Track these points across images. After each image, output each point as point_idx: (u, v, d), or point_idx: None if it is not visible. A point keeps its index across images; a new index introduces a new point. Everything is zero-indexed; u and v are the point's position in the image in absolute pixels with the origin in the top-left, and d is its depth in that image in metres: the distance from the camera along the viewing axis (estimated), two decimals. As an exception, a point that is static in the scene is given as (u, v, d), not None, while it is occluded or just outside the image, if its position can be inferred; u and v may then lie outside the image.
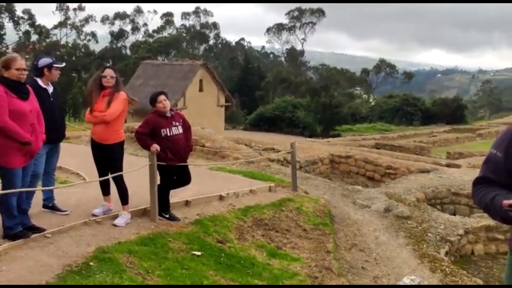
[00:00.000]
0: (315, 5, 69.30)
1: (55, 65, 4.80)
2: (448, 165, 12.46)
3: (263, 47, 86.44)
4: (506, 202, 1.93)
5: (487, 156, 2.23)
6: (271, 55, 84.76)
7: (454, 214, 8.18)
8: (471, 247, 6.85)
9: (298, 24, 70.47)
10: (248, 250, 5.08)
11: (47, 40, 60.25)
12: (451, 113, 48.49)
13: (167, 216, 5.40)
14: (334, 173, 12.40)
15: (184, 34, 70.70)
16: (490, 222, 7.00)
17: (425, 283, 4.96)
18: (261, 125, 44.60)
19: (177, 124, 5.36)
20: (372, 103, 61.19)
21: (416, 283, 4.87)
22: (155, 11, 73.86)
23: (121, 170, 5.02)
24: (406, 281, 4.92)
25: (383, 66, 71.12)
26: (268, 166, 9.81)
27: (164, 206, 5.39)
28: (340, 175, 12.18)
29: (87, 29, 65.37)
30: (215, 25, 72.24)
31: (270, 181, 7.89)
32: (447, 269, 5.41)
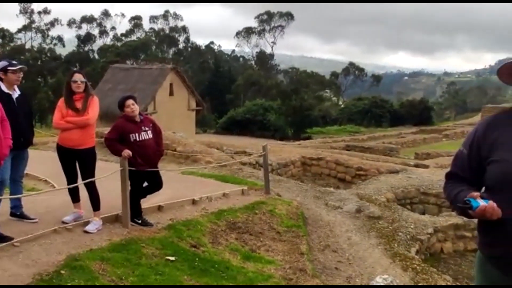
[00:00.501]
0: (283, 8, 69.80)
1: (10, 68, 4.67)
2: (416, 166, 12.73)
3: (233, 51, 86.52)
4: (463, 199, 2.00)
5: (456, 153, 2.30)
6: (241, 59, 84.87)
7: (424, 213, 8.35)
8: (440, 245, 7.01)
9: (267, 28, 70.87)
10: (222, 253, 5.06)
11: (11, 44, 58.70)
12: (418, 114, 49.66)
13: (140, 221, 5.33)
14: (306, 175, 12.49)
15: (153, 38, 70.08)
16: (458, 220, 7.19)
17: (397, 281, 5.04)
18: (232, 128, 44.56)
19: (147, 129, 5.29)
20: (342, 106, 62.06)
21: (388, 282, 4.95)
22: (123, 15, 72.93)
23: (94, 176, 4.93)
24: (378, 280, 4.99)
25: (352, 69, 72.18)
26: (241, 170, 9.81)
27: (136, 212, 5.32)
28: (312, 177, 12.28)
29: (53, 33, 64.12)
30: (184, 29, 71.85)
31: (242, 185, 7.90)
32: (418, 267, 5.52)
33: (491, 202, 1.95)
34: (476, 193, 2.00)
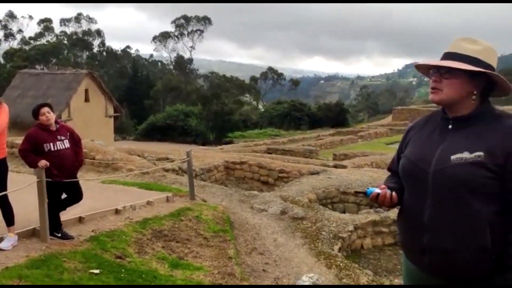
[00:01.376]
0: (200, 12, 69.64)
1: None
2: (335, 166, 13.24)
3: (151, 55, 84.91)
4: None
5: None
6: (159, 64, 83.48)
7: (344, 212, 8.70)
8: (360, 241, 7.34)
9: (185, 32, 70.31)
10: (149, 263, 4.95)
11: None
12: (335, 117, 51.79)
13: (59, 235, 5.07)
14: (230, 179, 12.55)
15: (65, 41, 66.96)
16: (376, 217, 7.57)
17: (323, 279, 5.22)
18: (152, 134, 43.67)
19: (63, 138, 5.05)
20: (262, 110, 63.06)
21: (314, 280, 5.11)
22: (30, 17, 69.20)
23: (6, 189, 4.62)
24: (305, 279, 5.14)
25: (271, 73, 73.65)
26: (164, 176, 9.65)
27: (55, 225, 5.05)
28: (236, 181, 12.36)
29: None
30: (99, 33, 69.39)
31: (167, 191, 7.77)
32: (341, 264, 5.74)
33: (384, 191, 2.20)
34: (384, 186, 2.25)
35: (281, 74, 74.42)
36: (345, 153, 19.93)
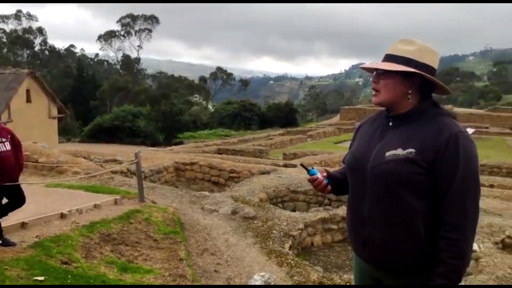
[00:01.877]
0: (147, 12, 68.36)
1: None
2: (285, 165, 13.38)
3: (96, 55, 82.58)
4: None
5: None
6: (106, 63, 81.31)
7: (294, 210, 8.81)
8: (310, 239, 7.45)
9: (132, 31, 68.80)
10: (97, 268, 4.81)
11: None
12: (284, 116, 52.41)
13: (0, 242, 4.84)
14: (180, 180, 12.41)
15: (4, 40, 63.96)
16: (325, 215, 7.72)
17: (274, 277, 5.26)
18: (99, 136, 42.46)
19: (4, 140, 4.84)
20: (212, 110, 62.85)
21: (266, 279, 5.14)
22: (-34, 14, 65.49)
23: None
24: (257, 278, 5.17)
25: (220, 73, 73.51)
26: (112, 179, 9.41)
27: (-5, 232, 4.82)
28: (186, 182, 12.24)
29: None
30: (40, 31, 66.74)
31: (115, 194, 7.59)
32: (292, 262, 5.81)
33: (321, 178, 2.40)
34: (325, 173, 2.45)
35: (231, 74, 74.46)
36: (295, 152, 20.19)
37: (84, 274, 4.56)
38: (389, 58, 2.19)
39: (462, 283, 4.77)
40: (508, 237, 6.44)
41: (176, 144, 33.14)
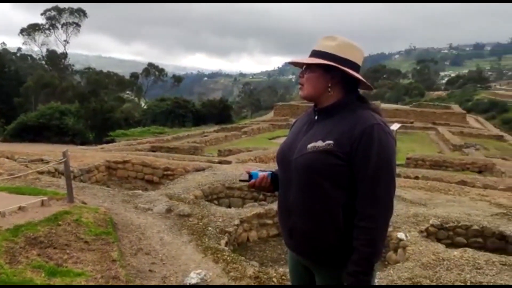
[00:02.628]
0: (74, 5, 65.43)
1: None
2: (220, 162, 13.38)
3: (19, 49, 78.16)
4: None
5: None
6: (29, 58, 77.15)
7: (230, 207, 8.82)
8: (246, 234, 7.49)
9: (58, 25, 65.64)
10: (23, 273, 4.56)
11: None
12: (219, 113, 52.29)
13: None
14: (112, 179, 12.05)
15: None
16: (260, 210, 7.79)
17: (210, 274, 5.24)
18: (23, 135, 40.23)
19: None
20: (145, 107, 61.48)
21: (202, 276, 5.11)
22: None
23: None
24: (193, 276, 5.12)
25: (152, 69, 71.94)
26: (38, 179, 8.96)
27: None
28: (119, 181, 11.90)
29: None
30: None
31: (42, 195, 7.21)
32: (228, 258, 5.81)
33: (262, 174, 2.45)
34: (262, 172, 2.46)
35: (163, 70, 73.04)
36: (230, 149, 20.24)
37: (8, 281, 4.30)
38: (314, 54, 2.29)
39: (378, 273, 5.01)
40: (432, 225, 6.82)
41: (107, 142, 32.12)
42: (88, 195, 8.17)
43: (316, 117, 2.31)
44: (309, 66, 2.27)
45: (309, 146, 2.20)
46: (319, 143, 2.18)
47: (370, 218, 2.09)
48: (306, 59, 2.27)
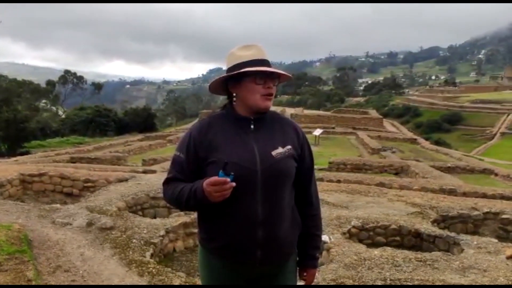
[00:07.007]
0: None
1: None
2: (144, 172, 13.04)
3: None
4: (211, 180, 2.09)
5: (172, 158, 2.42)
6: None
7: (155, 217, 8.60)
8: (172, 245, 7.33)
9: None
10: None
11: None
12: (143, 122, 51.06)
13: None
14: (27, 194, 11.33)
15: None
16: (187, 219, 7.67)
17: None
18: None
19: None
20: (63, 116, 58.64)
21: (126, 291, 4.92)
22: None
23: None
24: (116, 291, 4.91)
25: (70, 77, 68.96)
26: None
27: None
28: (35, 196, 11.21)
29: None
30: None
31: None
32: (153, 270, 5.65)
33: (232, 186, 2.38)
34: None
35: (82, 78, 70.22)
36: (155, 157, 19.80)
37: None
38: (268, 63, 2.30)
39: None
40: (354, 227, 7.07)
41: (22, 154, 30.25)
42: (0, 212, 7.62)
43: (252, 126, 2.31)
44: (278, 77, 2.31)
45: (273, 153, 2.24)
46: (280, 150, 2.26)
47: (317, 206, 2.50)
48: (282, 70, 2.35)
